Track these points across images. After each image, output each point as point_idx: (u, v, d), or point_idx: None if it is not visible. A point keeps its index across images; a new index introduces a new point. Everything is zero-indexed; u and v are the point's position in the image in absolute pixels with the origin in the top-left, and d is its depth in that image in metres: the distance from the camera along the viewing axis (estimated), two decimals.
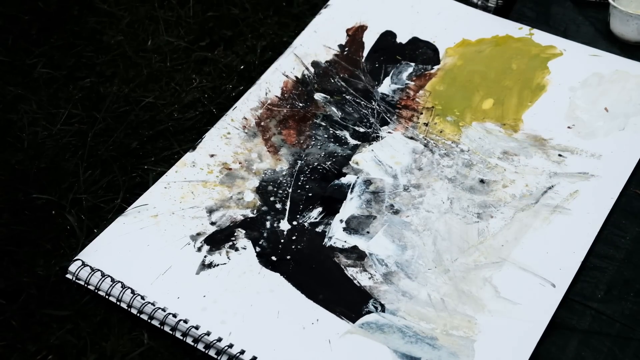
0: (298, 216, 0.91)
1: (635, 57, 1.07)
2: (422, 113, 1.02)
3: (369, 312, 0.82)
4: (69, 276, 0.85)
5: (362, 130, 1.01)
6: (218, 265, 0.86)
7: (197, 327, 0.81)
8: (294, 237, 0.89)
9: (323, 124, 1.02)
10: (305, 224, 0.91)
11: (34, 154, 0.98)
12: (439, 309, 0.82)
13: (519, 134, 0.99)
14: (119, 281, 0.84)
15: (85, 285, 0.85)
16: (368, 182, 0.95)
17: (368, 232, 0.89)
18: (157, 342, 0.81)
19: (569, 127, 0.99)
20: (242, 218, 0.91)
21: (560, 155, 0.96)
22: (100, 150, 0.99)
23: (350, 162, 0.97)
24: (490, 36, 1.12)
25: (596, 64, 1.06)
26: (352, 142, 1.00)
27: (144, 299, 0.83)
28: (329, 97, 1.05)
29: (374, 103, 1.04)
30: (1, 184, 0.95)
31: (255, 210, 0.92)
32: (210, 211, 0.92)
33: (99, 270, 0.85)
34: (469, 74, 1.07)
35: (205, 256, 0.87)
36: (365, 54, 1.11)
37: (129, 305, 0.83)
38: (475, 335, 0.80)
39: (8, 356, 0.80)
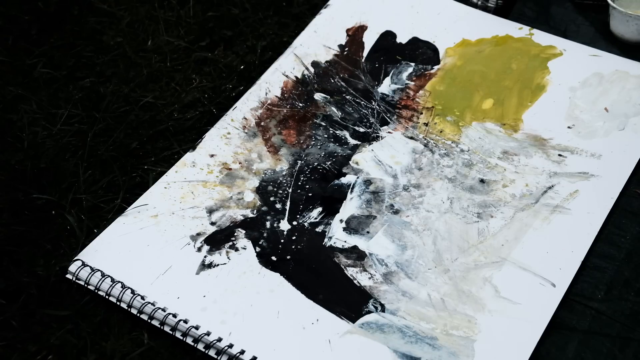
0: (298, 216, 0.91)
1: (635, 57, 1.07)
2: (422, 113, 1.02)
3: (369, 312, 0.82)
4: (69, 276, 0.85)
5: (362, 130, 1.01)
6: (218, 265, 0.86)
7: (197, 327, 0.81)
8: (294, 237, 0.89)
9: (323, 124, 1.02)
10: (305, 224, 0.90)
11: (34, 154, 0.98)
12: (439, 308, 0.82)
13: (519, 133, 0.99)
14: (119, 281, 0.84)
15: (85, 285, 0.85)
16: (368, 182, 0.95)
17: (368, 232, 0.89)
18: (157, 342, 0.81)
19: (569, 127, 0.99)
20: (242, 218, 0.91)
21: (560, 155, 0.96)
22: (100, 150, 0.99)
23: (350, 162, 0.97)
24: (490, 36, 1.12)
25: (596, 64, 1.06)
26: (352, 142, 1.00)
27: (144, 299, 0.83)
28: (329, 97, 1.05)
29: (374, 103, 1.04)
30: (1, 184, 0.95)
31: (255, 210, 0.92)
32: (210, 211, 0.92)
33: (99, 270, 0.85)
34: (469, 74, 1.07)
35: (205, 256, 0.87)
36: (365, 54, 1.11)
37: (129, 306, 0.83)
38: (475, 335, 0.80)
39: (8, 356, 0.80)
